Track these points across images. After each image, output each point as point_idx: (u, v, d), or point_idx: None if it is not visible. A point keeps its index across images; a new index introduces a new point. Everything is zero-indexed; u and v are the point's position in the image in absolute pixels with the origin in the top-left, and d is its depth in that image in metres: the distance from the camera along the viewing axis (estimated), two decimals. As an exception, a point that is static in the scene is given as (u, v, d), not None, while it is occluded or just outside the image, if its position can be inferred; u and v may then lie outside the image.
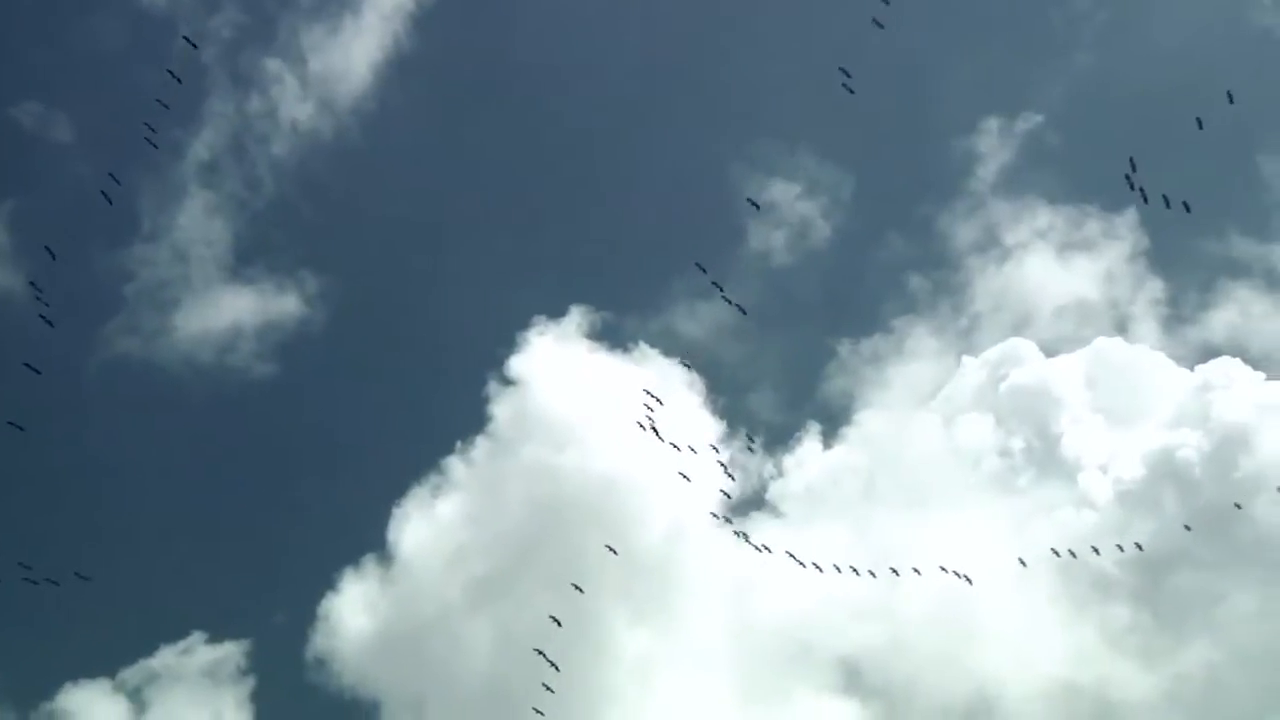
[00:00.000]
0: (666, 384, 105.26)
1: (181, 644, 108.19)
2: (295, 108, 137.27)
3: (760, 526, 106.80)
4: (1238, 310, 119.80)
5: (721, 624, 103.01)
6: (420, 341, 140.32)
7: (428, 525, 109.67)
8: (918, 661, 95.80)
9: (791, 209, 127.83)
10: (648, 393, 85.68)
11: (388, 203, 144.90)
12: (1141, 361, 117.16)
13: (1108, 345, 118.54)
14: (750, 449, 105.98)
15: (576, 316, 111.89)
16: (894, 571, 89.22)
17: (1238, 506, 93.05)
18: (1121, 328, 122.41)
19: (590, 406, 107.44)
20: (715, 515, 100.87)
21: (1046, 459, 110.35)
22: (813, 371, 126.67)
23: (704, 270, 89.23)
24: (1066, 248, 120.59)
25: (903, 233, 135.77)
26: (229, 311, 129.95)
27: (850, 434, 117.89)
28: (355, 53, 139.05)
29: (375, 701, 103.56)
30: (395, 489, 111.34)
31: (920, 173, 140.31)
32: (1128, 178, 69.42)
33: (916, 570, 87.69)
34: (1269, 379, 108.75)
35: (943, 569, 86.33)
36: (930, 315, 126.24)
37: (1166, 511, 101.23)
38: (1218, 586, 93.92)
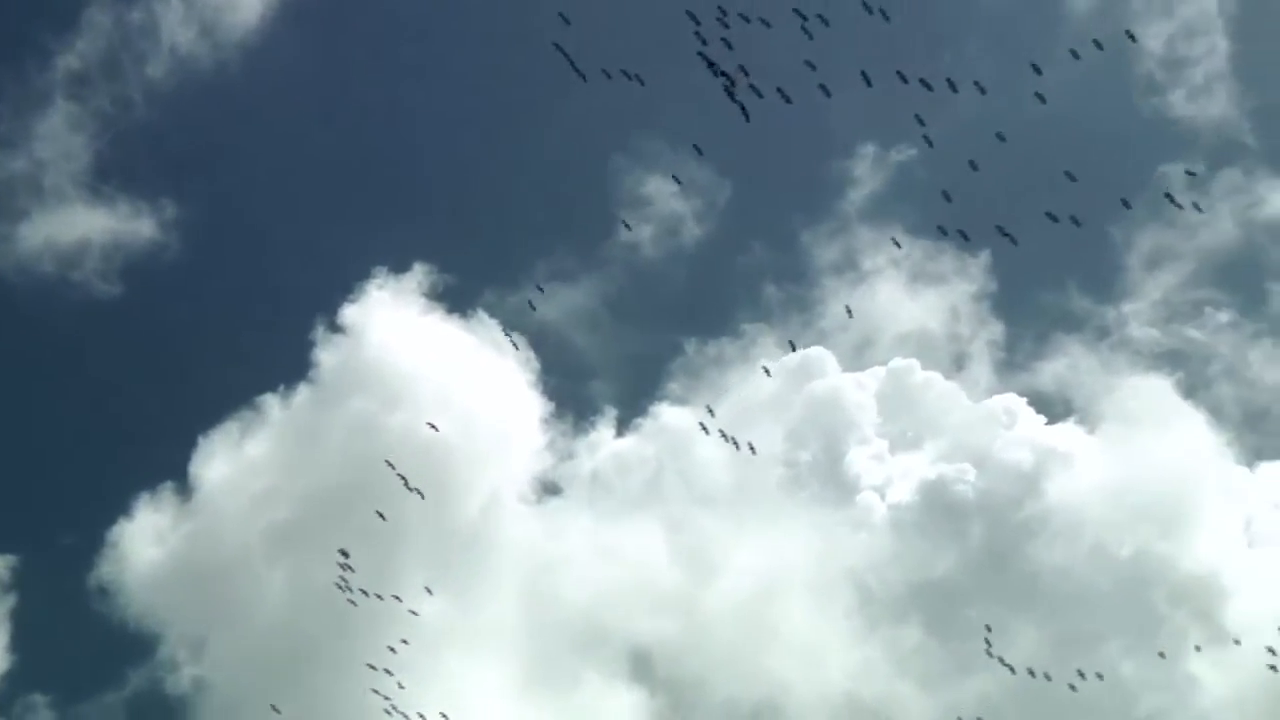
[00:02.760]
0: (497, 356, 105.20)
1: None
2: (178, 31, 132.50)
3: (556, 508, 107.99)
4: (1066, 363, 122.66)
5: (519, 603, 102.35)
6: (265, 279, 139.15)
7: (234, 462, 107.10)
8: (710, 659, 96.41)
9: (666, 205, 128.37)
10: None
11: (258, 140, 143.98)
12: (935, 388, 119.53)
13: (903, 366, 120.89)
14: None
15: (419, 274, 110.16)
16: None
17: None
18: (958, 364, 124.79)
19: (419, 367, 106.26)
20: (527, 494, 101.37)
21: (829, 475, 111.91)
22: (656, 366, 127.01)
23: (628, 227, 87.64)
24: (917, 279, 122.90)
25: (767, 243, 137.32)
26: (79, 228, 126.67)
27: (644, 425, 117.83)
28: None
29: (156, 635, 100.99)
30: (205, 420, 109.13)
31: (794, 189, 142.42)
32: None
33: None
34: (1049, 423, 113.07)
35: None
36: (780, 326, 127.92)
37: (938, 541, 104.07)
38: (1003, 621, 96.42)
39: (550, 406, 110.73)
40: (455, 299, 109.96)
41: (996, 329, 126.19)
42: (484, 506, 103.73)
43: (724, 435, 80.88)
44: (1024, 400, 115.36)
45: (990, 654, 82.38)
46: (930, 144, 74.77)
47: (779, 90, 68.03)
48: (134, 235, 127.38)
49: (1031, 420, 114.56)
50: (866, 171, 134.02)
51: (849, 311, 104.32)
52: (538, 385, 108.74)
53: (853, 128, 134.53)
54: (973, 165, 68.71)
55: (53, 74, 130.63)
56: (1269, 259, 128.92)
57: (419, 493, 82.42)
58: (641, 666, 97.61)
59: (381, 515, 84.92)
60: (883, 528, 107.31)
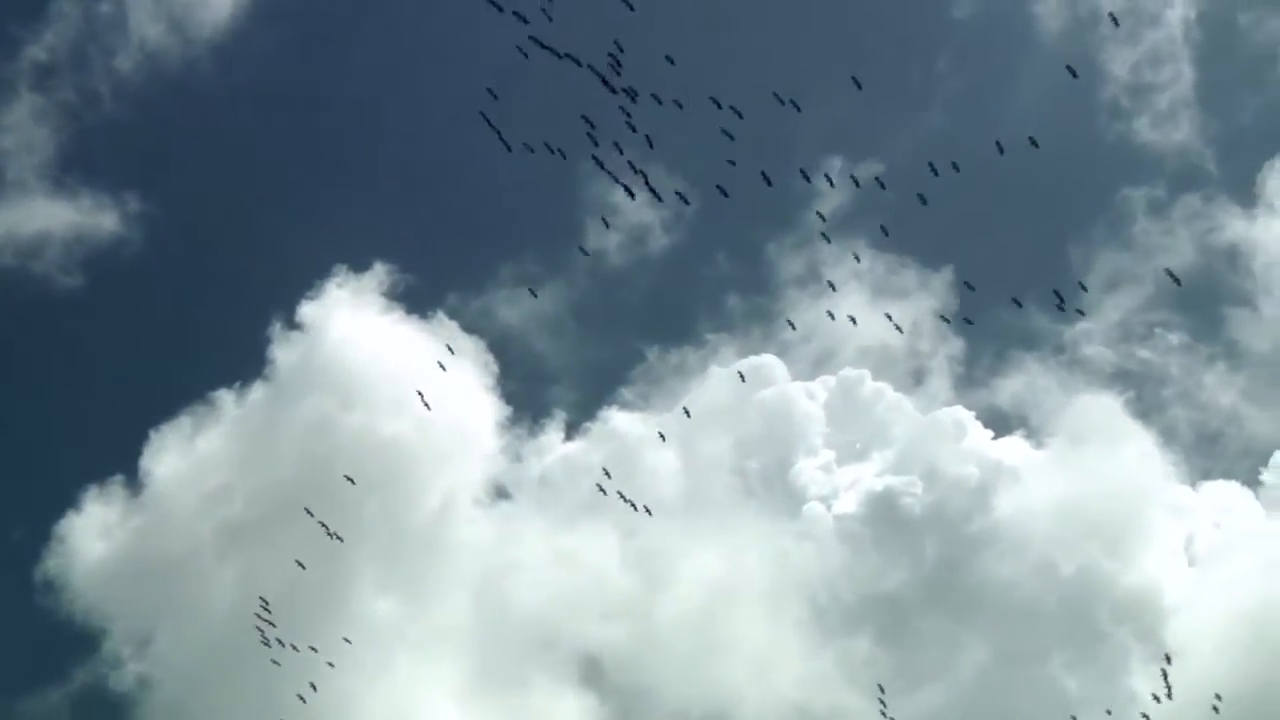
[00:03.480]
0: (456, 359, 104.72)
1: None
2: (147, 25, 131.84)
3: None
4: (1024, 380, 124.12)
5: (472, 605, 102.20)
6: (225, 276, 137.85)
7: (186, 458, 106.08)
8: (661, 666, 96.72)
9: (635, 215, 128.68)
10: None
11: (224, 137, 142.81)
12: (885, 399, 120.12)
13: (853, 376, 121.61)
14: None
15: (380, 273, 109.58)
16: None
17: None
18: (918, 379, 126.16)
19: (376, 367, 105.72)
20: (481, 498, 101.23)
21: (776, 485, 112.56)
22: (617, 373, 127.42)
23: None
24: (880, 294, 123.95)
25: (732, 255, 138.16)
26: (42, 220, 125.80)
27: (593, 429, 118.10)
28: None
29: (102, 630, 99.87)
30: (157, 415, 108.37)
31: (761, 200, 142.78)
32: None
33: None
34: (997, 438, 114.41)
35: None
36: (742, 336, 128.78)
37: (884, 554, 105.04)
38: (951, 633, 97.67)
39: (508, 411, 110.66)
40: (415, 300, 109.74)
41: (956, 345, 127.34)
42: (438, 509, 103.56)
43: (621, 496, 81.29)
44: (972, 414, 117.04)
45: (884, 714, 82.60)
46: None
47: (678, 193, 69.42)
48: (96, 229, 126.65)
49: (980, 434, 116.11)
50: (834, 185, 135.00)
51: (791, 325, 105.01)
52: (496, 389, 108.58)
53: (820, 144, 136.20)
54: (921, 199, 69.21)
55: (19, 65, 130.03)
56: (1225, 284, 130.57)
57: (338, 538, 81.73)
58: (592, 672, 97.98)
59: (328, 529, 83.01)
60: (829, 539, 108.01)
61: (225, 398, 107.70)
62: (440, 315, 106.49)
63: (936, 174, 66.00)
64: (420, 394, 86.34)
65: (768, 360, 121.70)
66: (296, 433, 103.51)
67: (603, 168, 68.10)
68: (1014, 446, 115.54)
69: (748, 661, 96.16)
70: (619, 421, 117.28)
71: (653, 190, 68.19)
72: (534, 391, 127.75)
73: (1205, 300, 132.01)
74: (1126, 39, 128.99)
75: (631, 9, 65.74)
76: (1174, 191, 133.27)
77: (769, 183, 72.49)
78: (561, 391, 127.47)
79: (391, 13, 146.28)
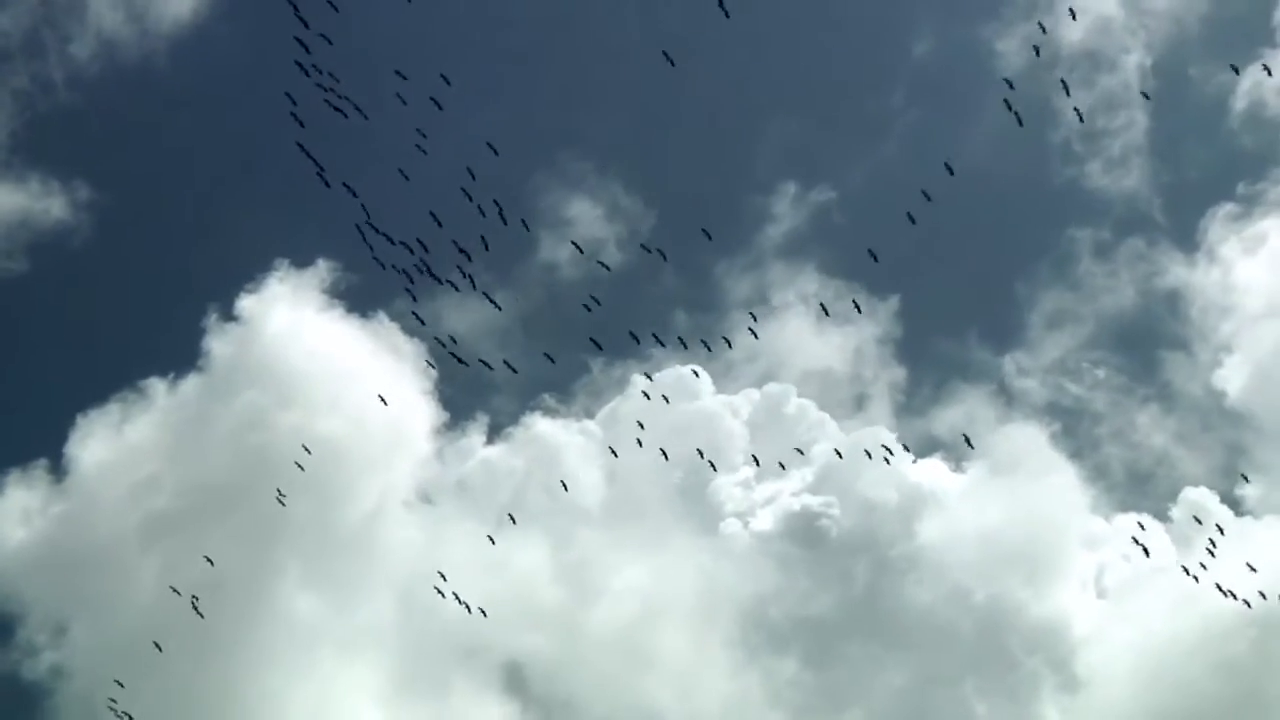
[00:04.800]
0: (393, 362, 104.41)
1: None
2: (106, 15, 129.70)
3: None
4: (964, 411, 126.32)
5: (395, 608, 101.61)
6: (166, 265, 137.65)
7: (113, 446, 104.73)
8: (586, 677, 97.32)
9: (589, 228, 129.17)
10: None
11: (179, 132, 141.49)
12: (807, 417, 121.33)
13: (777, 391, 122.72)
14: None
15: (322, 270, 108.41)
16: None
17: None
18: (859, 404, 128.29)
19: (313, 364, 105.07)
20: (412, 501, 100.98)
21: (695, 499, 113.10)
22: (564, 383, 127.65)
23: None
24: (825, 319, 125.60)
25: (681, 273, 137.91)
26: None
27: (516, 434, 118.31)
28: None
29: (15, 616, 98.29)
30: (85, 400, 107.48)
31: (713, 221, 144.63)
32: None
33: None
34: (917, 460, 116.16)
35: None
36: (686, 354, 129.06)
37: (800, 573, 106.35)
38: (879, 658, 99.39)
39: (445, 416, 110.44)
40: (355, 299, 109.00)
41: (899, 373, 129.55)
42: (367, 510, 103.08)
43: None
44: (894, 435, 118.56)
45: None
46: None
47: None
48: (44, 215, 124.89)
49: (901, 456, 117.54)
50: (786, 209, 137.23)
51: (728, 343, 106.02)
52: (434, 394, 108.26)
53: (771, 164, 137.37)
54: (872, 254, 70.59)
55: None
56: (1164, 327, 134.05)
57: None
58: (515, 680, 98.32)
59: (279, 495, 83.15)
60: (745, 556, 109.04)
61: (157, 387, 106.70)
62: (381, 316, 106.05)
63: (930, 199, 66.59)
64: (381, 397, 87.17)
65: (690, 372, 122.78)
66: (229, 426, 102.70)
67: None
68: (934, 470, 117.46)
69: (673, 676, 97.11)
70: (543, 427, 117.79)
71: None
72: (471, 399, 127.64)
73: (1143, 342, 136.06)
74: (1082, 82, 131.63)
75: None
76: (1118, 235, 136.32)
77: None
78: (500, 400, 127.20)
79: (357, 11, 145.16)
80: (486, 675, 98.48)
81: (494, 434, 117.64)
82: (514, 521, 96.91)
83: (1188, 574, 76.20)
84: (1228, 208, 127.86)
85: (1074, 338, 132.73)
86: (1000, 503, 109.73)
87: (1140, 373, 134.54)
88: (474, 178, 68.08)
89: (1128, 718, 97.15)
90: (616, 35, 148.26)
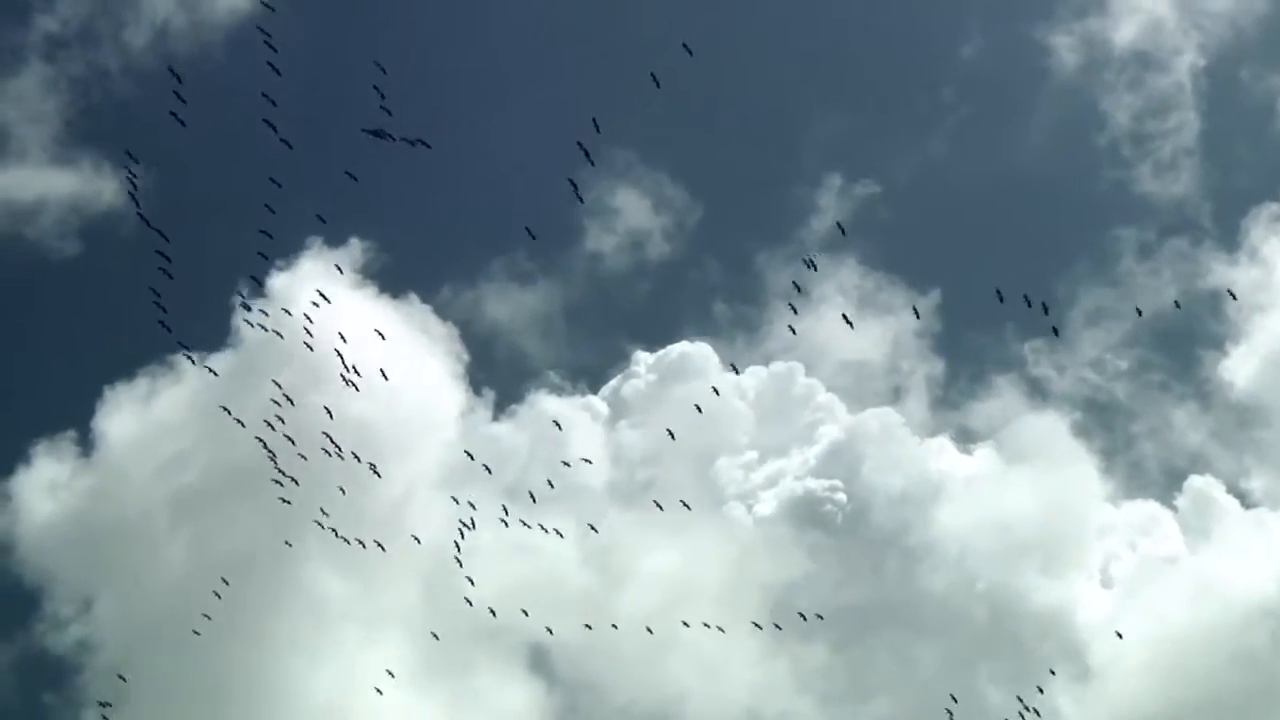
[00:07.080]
0: (421, 342, 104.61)
1: None
2: (163, 5, 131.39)
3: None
4: (1000, 405, 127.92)
5: (423, 588, 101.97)
6: (204, 246, 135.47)
7: (143, 420, 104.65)
8: (613, 660, 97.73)
9: (635, 218, 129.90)
10: None
11: (230, 122, 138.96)
12: (815, 398, 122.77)
13: (783, 370, 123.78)
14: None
15: (355, 249, 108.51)
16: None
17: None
18: (895, 395, 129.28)
19: (349, 345, 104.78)
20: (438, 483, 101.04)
21: (696, 482, 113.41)
22: (598, 373, 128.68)
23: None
24: (864, 309, 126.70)
25: (723, 263, 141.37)
26: (41, 188, 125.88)
27: (520, 411, 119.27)
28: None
29: (42, 590, 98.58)
30: (114, 374, 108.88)
31: (757, 211, 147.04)
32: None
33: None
34: (923, 442, 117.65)
35: None
36: (726, 343, 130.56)
37: (808, 558, 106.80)
38: (909, 646, 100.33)
39: (475, 400, 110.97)
40: (387, 279, 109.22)
41: (937, 365, 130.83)
42: (396, 491, 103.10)
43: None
44: (901, 420, 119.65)
45: None
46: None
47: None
48: (96, 198, 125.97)
49: (908, 440, 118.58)
50: (830, 202, 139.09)
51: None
52: (465, 378, 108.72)
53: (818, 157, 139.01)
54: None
55: (30, 34, 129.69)
56: (1203, 327, 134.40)
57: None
58: (540, 662, 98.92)
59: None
60: (748, 540, 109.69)
61: (187, 364, 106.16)
62: (412, 297, 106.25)
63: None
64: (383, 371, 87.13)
65: (699, 349, 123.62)
66: (259, 404, 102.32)
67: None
68: (943, 450, 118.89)
69: (700, 661, 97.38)
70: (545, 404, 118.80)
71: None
72: (504, 383, 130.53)
73: (1183, 341, 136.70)
74: (1130, 86, 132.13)
75: None
76: (1163, 235, 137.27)
77: None
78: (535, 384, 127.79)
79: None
80: (511, 656, 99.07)
81: (499, 410, 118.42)
82: (534, 500, 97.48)
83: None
84: (1272, 208, 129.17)
85: (1112, 335, 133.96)
86: (1012, 488, 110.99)
87: (1178, 371, 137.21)
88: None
89: (1143, 708, 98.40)
90: (670, 29, 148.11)
